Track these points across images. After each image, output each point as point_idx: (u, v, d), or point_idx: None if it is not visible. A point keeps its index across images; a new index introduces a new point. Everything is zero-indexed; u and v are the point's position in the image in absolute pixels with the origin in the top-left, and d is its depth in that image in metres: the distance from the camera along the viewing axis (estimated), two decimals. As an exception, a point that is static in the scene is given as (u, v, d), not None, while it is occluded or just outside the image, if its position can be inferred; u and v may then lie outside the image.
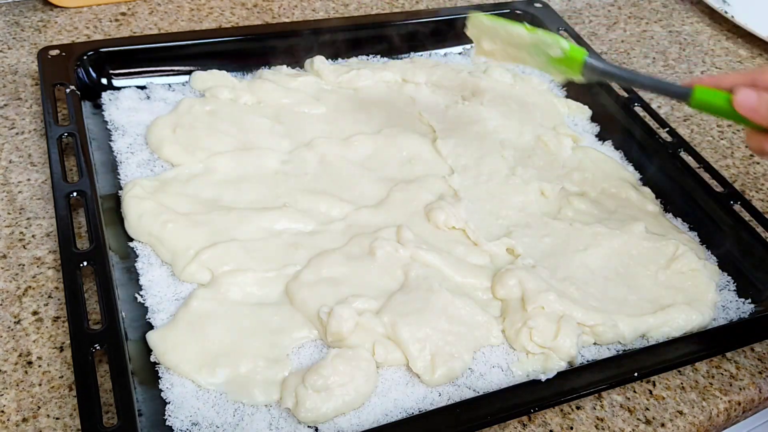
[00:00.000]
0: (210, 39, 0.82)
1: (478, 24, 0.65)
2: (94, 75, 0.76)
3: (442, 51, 0.91)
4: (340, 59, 0.87)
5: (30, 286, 0.60)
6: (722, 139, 0.87)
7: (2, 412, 0.52)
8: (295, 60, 0.84)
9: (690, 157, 0.77)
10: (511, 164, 0.75)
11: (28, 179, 0.69)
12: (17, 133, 0.74)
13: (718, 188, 0.73)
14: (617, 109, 0.83)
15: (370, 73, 0.82)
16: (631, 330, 0.60)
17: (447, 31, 0.89)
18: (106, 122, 0.73)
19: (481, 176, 0.73)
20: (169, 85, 0.79)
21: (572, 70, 0.62)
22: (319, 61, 0.82)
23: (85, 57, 0.76)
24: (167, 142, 0.70)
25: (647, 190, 0.76)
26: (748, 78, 0.57)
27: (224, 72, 0.79)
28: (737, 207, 0.71)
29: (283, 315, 0.57)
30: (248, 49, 0.83)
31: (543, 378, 0.53)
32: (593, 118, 0.86)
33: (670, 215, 0.74)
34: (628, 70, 0.65)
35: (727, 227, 0.70)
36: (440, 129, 0.78)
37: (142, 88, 0.78)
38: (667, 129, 0.80)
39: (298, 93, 0.79)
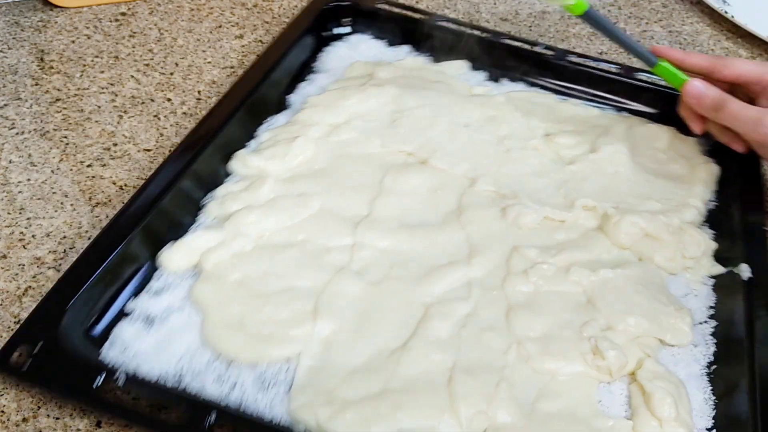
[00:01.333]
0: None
1: None
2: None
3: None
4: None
5: (30, 286, 0.60)
6: (723, 138, 0.87)
7: (2, 412, 0.52)
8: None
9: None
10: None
11: (28, 179, 0.69)
12: (17, 133, 0.74)
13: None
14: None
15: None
16: None
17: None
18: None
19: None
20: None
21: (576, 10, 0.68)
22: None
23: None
24: None
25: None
26: (708, 65, 0.66)
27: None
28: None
29: None
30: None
31: None
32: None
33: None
34: (613, 27, 0.71)
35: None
36: None
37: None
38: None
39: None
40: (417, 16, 0.86)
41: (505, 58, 0.84)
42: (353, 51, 0.85)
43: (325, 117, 0.72)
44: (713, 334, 0.61)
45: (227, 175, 0.68)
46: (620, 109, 0.83)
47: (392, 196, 0.66)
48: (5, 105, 0.77)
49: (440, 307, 0.57)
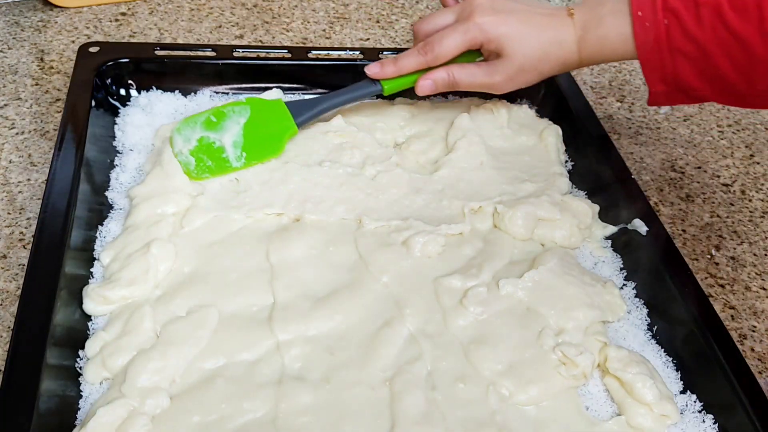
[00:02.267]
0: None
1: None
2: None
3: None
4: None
5: (30, 286, 0.60)
6: (722, 139, 0.87)
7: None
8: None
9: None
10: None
11: (28, 179, 0.69)
12: (17, 133, 0.74)
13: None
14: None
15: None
16: None
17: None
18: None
19: None
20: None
21: (292, 132, 0.69)
22: None
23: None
24: None
25: None
26: (423, 63, 0.67)
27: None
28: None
29: None
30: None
31: None
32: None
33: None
34: (324, 98, 0.71)
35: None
36: None
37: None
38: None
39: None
40: (207, 53, 0.76)
41: (311, 74, 0.80)
42: (150, 114, 0.73)
43: (164, 208, 0.62)
44: (637, 296, 0.63)
45: (88, 320, 0.55)
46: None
47: (288, 273, 0.59)
48: (5, 105, 0.77)
49: (401, 379, 0.53)
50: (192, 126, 0.66)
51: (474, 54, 0.69)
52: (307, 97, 0.79)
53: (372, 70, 0.68)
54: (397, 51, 0.81)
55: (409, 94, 0.74)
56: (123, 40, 0.89)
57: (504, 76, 0.67)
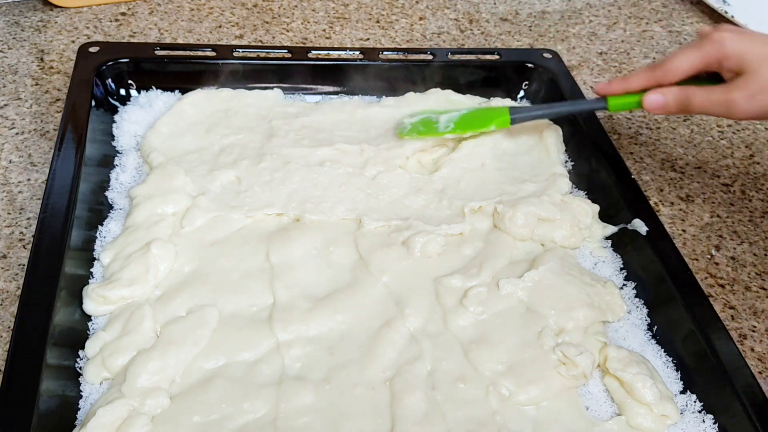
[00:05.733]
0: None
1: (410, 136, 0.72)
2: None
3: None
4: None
5: (30, 287, 0.60)
6: (722, 139, 0.87)
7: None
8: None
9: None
10: None
11: (28, 179, 0.69)
12: (17, 133, 0.74)
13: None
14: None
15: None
16: None
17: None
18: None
19: None
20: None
21: (503, 122, 0.71)
22: None
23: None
24: None
25: None
26: (652, 79, 0.64)
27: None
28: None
29: None
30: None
31: None
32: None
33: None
34: (546, 106, 0.73)
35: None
36: None
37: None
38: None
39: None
40: (207, 53, 0.77)
41: (311, 74, 0.79)
42: (150, 114, 0.73)
43: (164, 208, 0.62)
44: (637, 296, 0.63)
45: (88, 320, 0.55)
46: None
47: (288, 274, 0.59)
48: (5, 105, 0.77)
49: (401, 379, 0.53)
50: (421, 113, 0.74)
51: (708, 82, 0.63)
52: (308, 97, 0.79)
53: (599, 86, 0.68)
54: (397, 51, 0.82)
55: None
56: (123, 40, 0.89)
57: (744, 93, 0.60)
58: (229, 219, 0.63)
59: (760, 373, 0.61)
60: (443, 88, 0.80)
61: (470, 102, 0.78)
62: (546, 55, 0.83)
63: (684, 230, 0.74)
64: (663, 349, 0.59)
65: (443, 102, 0.77)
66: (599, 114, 0.81)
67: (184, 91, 0.75)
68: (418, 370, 0.53)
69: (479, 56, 0.83)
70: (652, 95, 0.64)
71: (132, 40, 0.89)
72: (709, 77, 0.63)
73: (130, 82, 0.75)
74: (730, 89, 0.60)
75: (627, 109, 0.70)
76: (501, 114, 0.71)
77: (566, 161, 0.75)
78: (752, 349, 0.63)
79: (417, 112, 0.74)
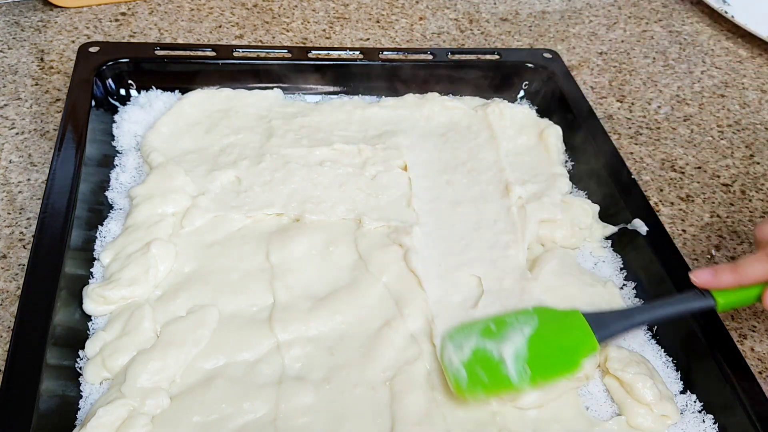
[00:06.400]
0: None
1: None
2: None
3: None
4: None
5: (30, 287, 0.60)
6: (722, 139, 0.87)
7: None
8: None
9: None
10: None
11: (28, 179, 0.69)
12: (17, 133, 0.74)
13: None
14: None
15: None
16: None
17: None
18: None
19: None
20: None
21: (590, 348, 0.53)
22: None
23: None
24: None
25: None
26: None
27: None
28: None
29: None
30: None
31: None
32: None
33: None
34: (637, 310, 0.58)
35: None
36: None
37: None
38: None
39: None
40: (207, 53, 0.76)
41: (311, 74, 0.79)
42: (150, 114, 0.73)
43: (164, 208, 0.62)
44: (637, 296, 0.63)
45: (88, 320, 0.55)
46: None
47: (288, 274, 0.59)
48: (5, 105, 0.77)
49: (401, 379, 0.53)
50: (467, 333, 0.53)
51: None
52: (307, 98, 0.79)
53: (701, 277, 0.53)
54: (397, 51, 0.82)
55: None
56: (123, 40, 0.89)
57: None
58: (229, 219, 0.63)
59: (760, 373, 0.61)
60: (443, 88, 0.80)
61: (467, 105, 0.78)
62: (546, 55, 0.83)
63: (684, 230, 0.74)
64: (663, 349, 0.59)
65: (438, 110, 0.76)
66: (599, 114, 0.81)
67: (184, 91, 0.75)
68: (418, 370, 0.53)
69: (479, 56, 0.83)
70: None
71: (132, 40, 0.89)
72: None
73: (130, 82, 0.75)
74: None
75: (739, 306, 0.57)
76: (581, 334, 0.53)
77: (566, 161, 0.75)
78: (752, 349, 0.63)
79: (461, 330, 0.54)
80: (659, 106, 0.91)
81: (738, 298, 0.53)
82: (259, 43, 0.92)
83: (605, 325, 0.53)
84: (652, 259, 0.62)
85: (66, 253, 0.55)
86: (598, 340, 0.52)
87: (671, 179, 0.80)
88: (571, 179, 0.72)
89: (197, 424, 0.49)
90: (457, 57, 0.82)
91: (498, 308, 0.58)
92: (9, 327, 0.57)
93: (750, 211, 0.77)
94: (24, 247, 0.63)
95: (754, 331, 0.65)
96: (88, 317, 0.55)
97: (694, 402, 0.55)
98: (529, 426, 0.52)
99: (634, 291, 0.63)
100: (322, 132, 0.72)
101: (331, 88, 0.80)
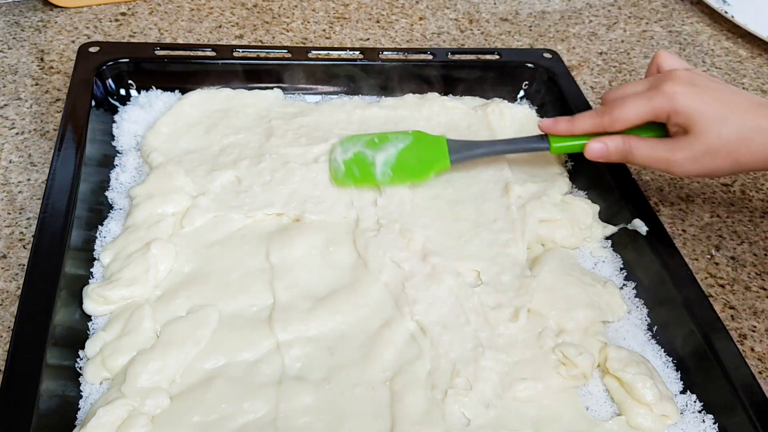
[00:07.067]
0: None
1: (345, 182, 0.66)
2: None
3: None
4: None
5: (29, 287, 0.60)
6: (722, 139, 0.87)
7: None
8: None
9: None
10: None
11: (28, 179, 0.69)
12: (17, 133, 0.74)
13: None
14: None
15: None
16: None
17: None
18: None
19: None
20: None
21: (442, 166, 0.67)
22: None
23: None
24: None
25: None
26: (597, 127, 0.62)
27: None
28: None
29: None
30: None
31: None
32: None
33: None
34: (487, 143, 0.69)
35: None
36: None
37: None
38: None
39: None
40: (207, 53, 0.76)
41: (311, 74, 0.79)
42: (150, 114, 0.73)
43: (164, 208, 0.62)
44: (637, 296, 0.63)
45: (88, 320, 0.55)
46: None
47: (288, 273, 0.59)
48: (5, 105, 0.77)
49: (401, 379, 0.53)
50: (354, 142, 0.68)
51: (657, 131, 0.62)
52: (308, 97, 0.79)
53: (544, 123, 0.65)
54: (397, 51, 0.82)
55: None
56: (123, 40, 0.89)
57: (687, 154, 0.58)
58: (229, 219, 0.63)
59: (760, 373, 0.61)
60: (443, 88, 0.80)
61: (467, 105, 0.78)
62: (546, 55, 0.83)
63: (684, 230, 0.74)
64: (663, 349, 0.59)
65: (438, 110, 0.76)
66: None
67: (184, 91, 0.75)
68: (418, 370, 0.53)
69: (479, 56, 0.83)
70: (595, 144, 0.62)
71: (132, 40, 0.89)
72: (654, 124, 0.62)
73: (130, 82, 0.75)
74: (673, 149, 0.59)
75: (569, 152, 0.69)
76: (439, 154, 0.67)
77: (566, 161, 0.75)
78: (752, 349, 0.63)
79: (350, 139, 0.68)
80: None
81: (567, 144, 0.65)
82: (259, 43, 0.92)
83: (459, 151, 0.67)
84: (652, 259, 0.62)
85: (66, 253, 0.55)
86: (451, 161, 0.67)
87: (671, 179, 0.80)
88: (571, 179, 0.72)
89: (197, 424, 0.49)
90: (457, 57, 0.82)
91: (493, 299, 0.58)
92: (9, 327, 0.57)
93: (750, 211, 0.77)
94: (24, 247, 0.63)
95: (754, 331, 0.65)
96: (88, 317, 0.55)
97: (694, 402, 0.55)
98: (529, 426, 0.52)
99: (634, 291, 0.63)
100: (321, 132, 0.72)
101: (331, 88, 0.80)
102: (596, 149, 0.62)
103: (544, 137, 0.66)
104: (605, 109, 0.62)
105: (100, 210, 0.63)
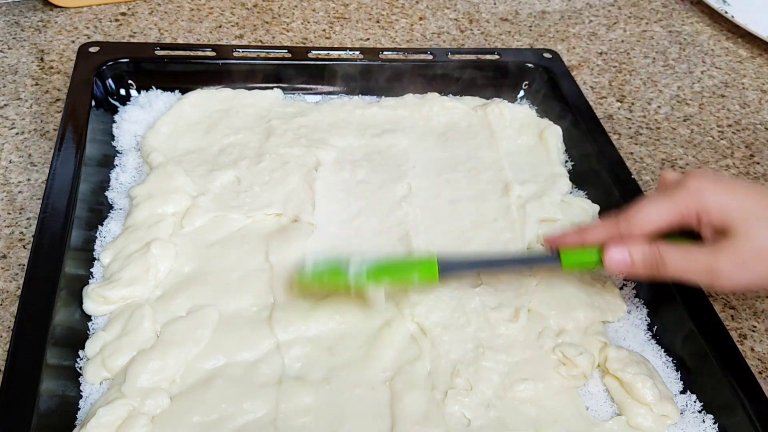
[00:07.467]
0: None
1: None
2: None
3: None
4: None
5: (29, 287, 0.60)
6: (722, 139, 0.87)
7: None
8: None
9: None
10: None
11: (28, 179, 0.69)
12: (17, 133, 0.74)
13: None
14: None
15: None
16: None
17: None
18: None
19: None
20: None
21: (429, 276, 0.55)
22: None
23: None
24: None
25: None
26: (615, 233, 0.53)
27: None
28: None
29: None
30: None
31: None
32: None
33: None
34: (484, 259, 0.59)
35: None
36: None
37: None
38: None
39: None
40: (207, 53, 0.76)
41: (311, 74, 0.79)
42: (150, 114, 0.73)
43: (164, 208, 0.62)
44: (637, 296, 0.63)
45: (88, 320, 0.55)
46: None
47: (288, 273, 0.58)
48: (5, 105, 0.77)
49: (401, 379, 0.52)
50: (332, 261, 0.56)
51: (684, 240, 0.52)
52: (308, 97, 0.79)
53: (550, 237, 0.57)
54: (397, 51, 0.82)
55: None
56: (123, 40, 0.89)
57: (734, 260, 0.48)
58: (229, 219, 0.63)
59: (760, 373, 0.61)
60: (443, 88, 0.80)
61: (467, 105, 0.78)
62: (546, 55, 0.83)
63: (684, 230, 0.74)
64: (663, 349, 0.59)
65: (437, 110, 0.76)
66: (599, 114, 0.81)
67: (184, 91, 0.75)
68: (418, 370, 0.53)
69: (479, 56, 0.83)
70: (616, 252, 0.51)
71: (132, 40, 0.89)
72: (682, 233, 0.53)
73: (130, 82, 0.75)
74: (715, 253, 0.49)
75: (584, 268, 0.60)
76: (428, 268, 0.55)
77: (566, 161, 0.75)
78: (752, 349, 0.63)
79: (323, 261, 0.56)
80: (659, 106, 0.91)
81: (581, 258, 0.54)
82: (259, 43, 0.92)
83: (450, 267, 0.55)
84: None
85: (66, 253, 0.55)
86: (440, 277, 0.54)
87: (671, 179, 0.80)
88: (571, 179, 0.72)
89: (197, 424, 0.49)
90: (457, 57, 0.82)
91: (494, 300, 0.59)
92: (9, 327, 0.57)
93: (750, 211, 0.77)
94: (24, 247, 0.63)
95: (754, 331, 0.65)
96: (88, 317, 0.55)
97: (694, 402, 0.55)
98: (529, 426, 0.52)
99: (635, 291, 0.63)
100: (321, 132, 0.72)
101: (331, 88, 0.80)
102: (619, 260, 0.52)
103: (554, 254, 0.56)
104: (620, 215, 0.53)
105: (100, 210, 0.63)
